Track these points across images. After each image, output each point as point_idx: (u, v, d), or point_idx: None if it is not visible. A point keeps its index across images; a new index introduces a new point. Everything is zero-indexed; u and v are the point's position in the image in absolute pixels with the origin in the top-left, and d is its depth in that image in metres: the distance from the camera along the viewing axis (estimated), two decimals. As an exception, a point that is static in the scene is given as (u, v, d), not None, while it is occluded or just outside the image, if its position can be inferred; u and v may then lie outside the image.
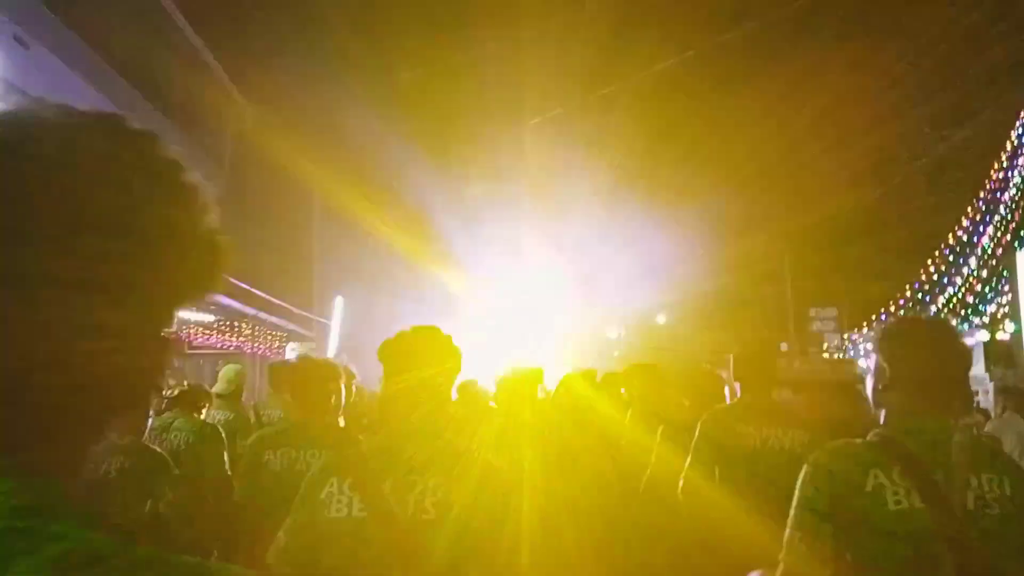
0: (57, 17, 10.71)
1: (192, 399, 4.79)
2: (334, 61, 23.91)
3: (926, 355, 1.91)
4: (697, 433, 3.40)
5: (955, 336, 2.01)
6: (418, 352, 1.98)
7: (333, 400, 3.31)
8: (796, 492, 1.85)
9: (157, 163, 0.62)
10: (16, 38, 9.37)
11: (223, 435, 4.50)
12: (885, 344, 1.95)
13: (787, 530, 1.83)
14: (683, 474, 3.34)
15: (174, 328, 0.66)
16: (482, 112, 28.57)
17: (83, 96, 11.55)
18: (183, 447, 4.29)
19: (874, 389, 1.96)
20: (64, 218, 0.56)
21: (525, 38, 24.48)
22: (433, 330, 2.04)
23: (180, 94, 15.47)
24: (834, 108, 24.73)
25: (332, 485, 1.82)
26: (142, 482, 3.23)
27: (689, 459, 3.35)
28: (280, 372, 6.28)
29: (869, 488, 1.73)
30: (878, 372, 1.94)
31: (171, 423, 4.43)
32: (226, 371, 5.86)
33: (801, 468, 3.15)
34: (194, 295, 0.67)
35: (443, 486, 1.83)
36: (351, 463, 1.86)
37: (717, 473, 3.29)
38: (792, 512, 1.84)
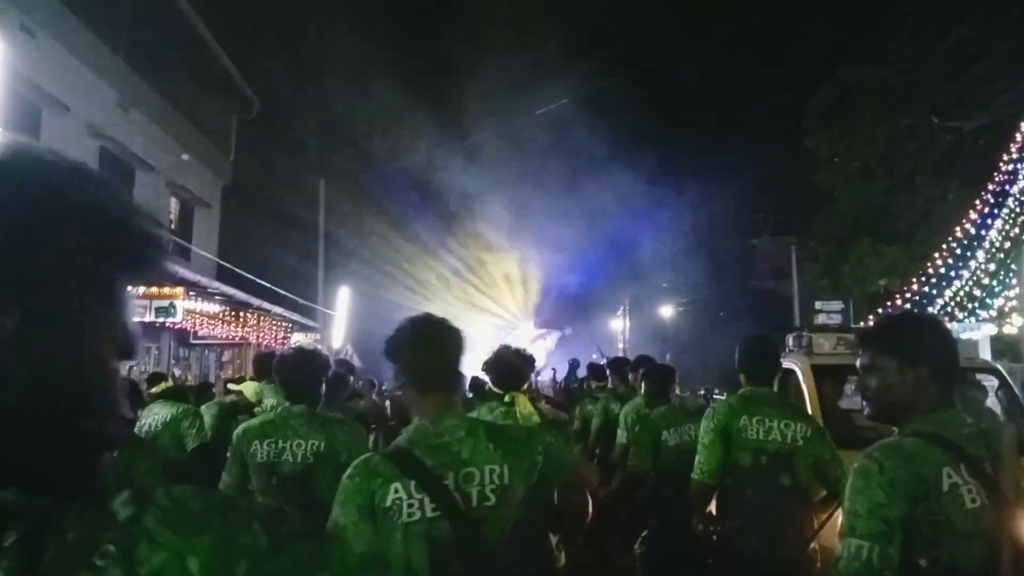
0: (65, 7, 10.72)
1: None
2: (340, 53, 23.89)
3: (945, 347, 1.90)
4: (704, 423, 3.42)
5: (947, 329, 2.02)
6: (448, 355, 2.03)
7: (322, 390, 3.33)
8: (856, 498, 1.70)
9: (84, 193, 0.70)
10: (23, 27, 9.38)
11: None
12: (898, 340, 1.93)
13: (848, 539, 1.69)
14: (696, 470, 3.36)
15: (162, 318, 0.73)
16: (484, 102, 28.52)
17: (88, 86, 11.57)
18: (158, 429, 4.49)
19: (885, 385, 1.92)
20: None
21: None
22: (454, 331, 2.06)
23: (187, 85, 15.48)
24: (839, 99, 24.64)
25: (398, 491, 1.80)
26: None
27: (700, 448, 3.38)
28: (266, 362, 6.30)
29: (946, 488, 1.66)
30: (887, 368, 1.90)
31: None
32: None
33: (802, 459, 3.20)
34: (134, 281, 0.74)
35: (497, 470, 1.90)
36: (411, 466, 1.84)
37: (722, 462, 3.31)
38: (853, 521, 1.69)
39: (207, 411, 5.19)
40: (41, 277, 0.65)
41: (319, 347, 6.31)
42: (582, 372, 9.78)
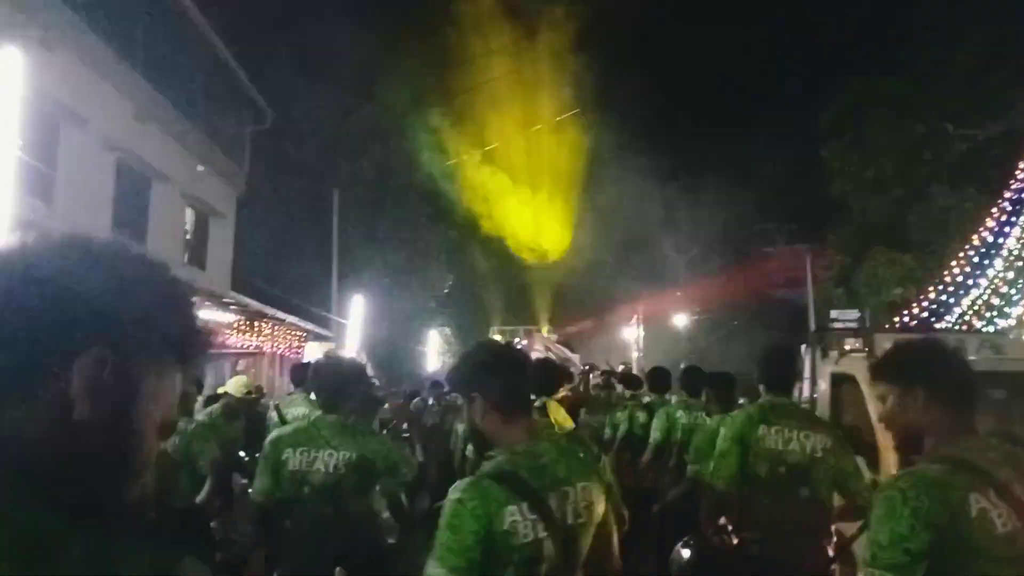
0: (82, 21, 10.86)
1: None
2: (353, 64, 24.05)
3: (951, 371, 1.90)
4: (721, 431, 3.42)
5: (955, 353, 2.01)
6: (525, 379, 2.09)
7: (358, 401, 3.37)
8: (879, 527, 1.70)
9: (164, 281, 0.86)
10: (42, 42, 9.50)
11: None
12: (899, 369, 1.95)
13: (870, 568, 1.69)
14: (711, 472, 3.36)
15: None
16: (498, 109, 28.60)
17: (105, 99, 11.71)
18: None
19: (894, 414, 1.91)
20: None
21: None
22: (524, 355, 2.19)
23: (201, 97, 15.63)
24: (852, 108, 24.53)
25: (514, 514, 1.81)
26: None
27: (715, 458, 3.37)
28: (301, 371, 6.37)
29: (974, 514, 1.64)
30: (910, 394, 1.88)
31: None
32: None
33: (822, 471, 3.18)
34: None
35: (586, 488, 1.96)
36: (522, 489, 1.86)
37: (739, 473, 3.29)
38: (876, 551, 1.69)
39: (209, 421, 5.20)
40: (124, 369, 0.78)
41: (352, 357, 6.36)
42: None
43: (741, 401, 5.35)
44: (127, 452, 0.80)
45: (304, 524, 3.10)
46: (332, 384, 3.32)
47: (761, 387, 3.51)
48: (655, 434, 5.72)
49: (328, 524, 3.06)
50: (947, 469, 1.73)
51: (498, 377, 2.01)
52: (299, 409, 5.81)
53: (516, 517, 1.81)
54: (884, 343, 5.21)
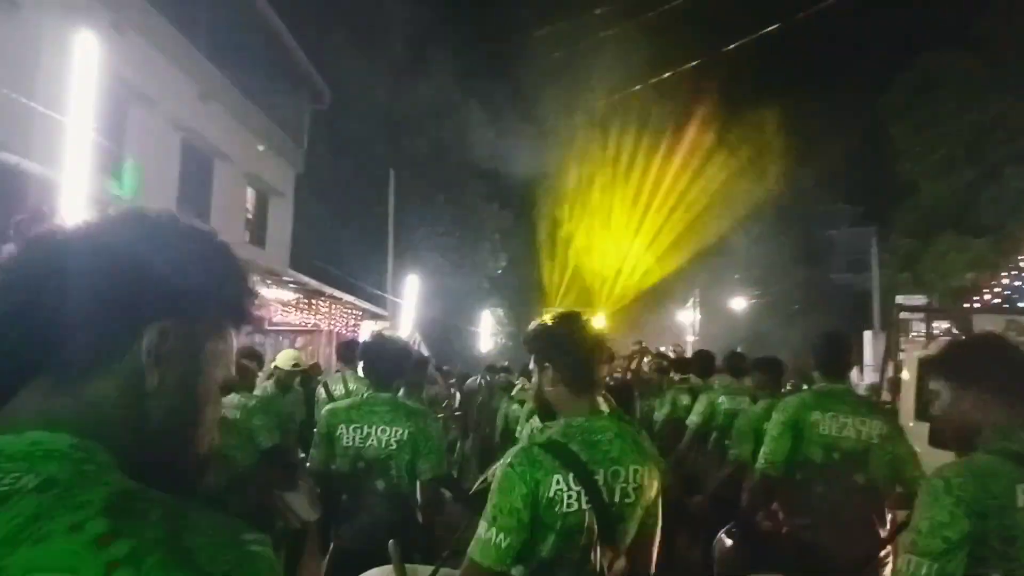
0: (149, 4, 11.16)
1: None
2: (410, 44, 24.18)
3: (1006, 366, 1.87)
4: (774, 415, 3.39)
5: (1011, 347, 1.98)
6: (601, 357, 2.11)
7: (403, 376, 3.42)
8: (921, 514, 1.72)
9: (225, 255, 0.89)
10: (113, 25, 9.81)
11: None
12: (953, 366, 1.93)
13: (908, 555, 1.71)
14: (761, 456, 3.33)
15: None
16: (557, 88, 28.40)
17: (172, 80, 12.04)
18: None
19: (948, 410, 1.90)
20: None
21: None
22: (600, 333, 2.13)
23: (262, 77, 15.92)
24: (922, 86, 23.58)
25: (559, 482, 1.87)
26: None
27: (767, 439, 3.34)
28: (350, 348, 6.50)
29: (1021, 504, 1.65)
30: (965, 391, 1.87)
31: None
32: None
33: (877, 458, 3.12)
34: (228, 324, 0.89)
35: (640, 470, 2.00)
36: (569, 459, 1.91)
37: (790, 456, 3.26)
38: (916, 537, 1.71)
39: (265, 396, 5.30)
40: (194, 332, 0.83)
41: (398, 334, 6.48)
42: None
43: (788, 387, 5.25)
44: (194, 418, 0.84)
45: (359, 498, 3.18)
46: (383, 362, 3.38)
47: (816, 373, 3.48)
48: (694, 418, 5.69)
49: (381, 498, 3.14)
50: (997, 460, 1.73)
51: (573, 351, 2.05)
52: (345, 386, 5.94)
53: (561, 486, 1.86)
54: (984, 324, 5.00)
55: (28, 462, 0.68)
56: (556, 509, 1.86)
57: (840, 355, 3.48)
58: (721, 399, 5.64)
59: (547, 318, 2.17)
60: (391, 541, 2.36)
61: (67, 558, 0.61)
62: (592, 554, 1.90)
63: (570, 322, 2.12)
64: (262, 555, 0.70)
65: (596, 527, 1.88)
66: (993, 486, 1.67)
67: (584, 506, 1.87)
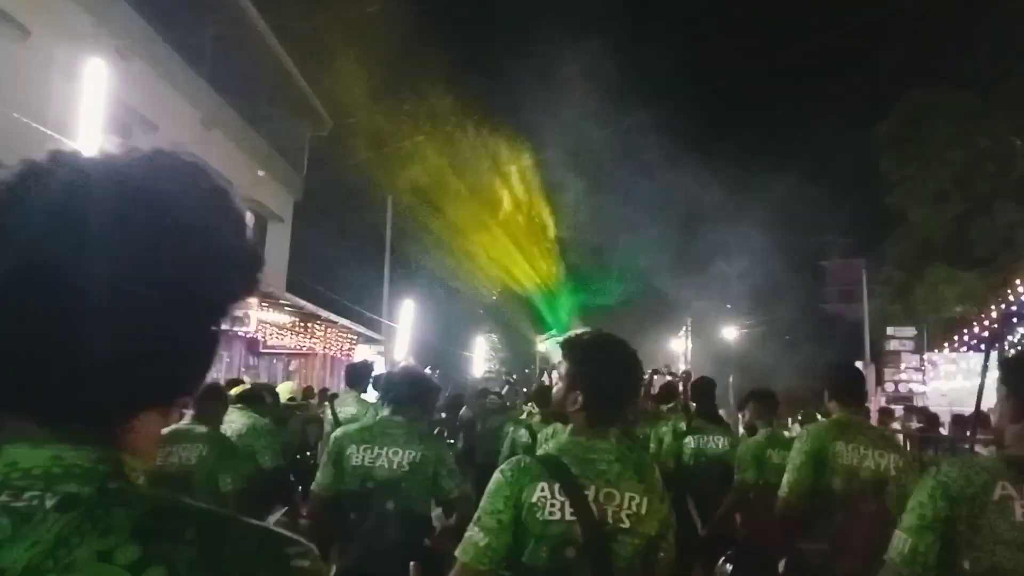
0: (154, 31, 11.35)
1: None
2: (409, 72, 24.45)
3: None
4: (796, 444, 3.43)
5: None
6: (634, 385, 2.14)
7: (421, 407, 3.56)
8: (912, 497, 1.92)
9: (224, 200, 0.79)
10: (118, 51, 9.97)
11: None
12: (1005, 372, 2.03)
13: (896, 530, 1.91)
14: (784, 488, 3.36)
15: (236, 327, 0.82)
16: (551, 115, 28.70)
17: (175, 106, 12.19)
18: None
19: (1000, 415, 2.00)
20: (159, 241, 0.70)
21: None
22: (634, 358, 2.13)
23: (264, 104, 16.11)
24: (913, 119, 23.94)
25: (544, 490, 1.91)
26: (215, 467, 3.75)
27: (790, 468, 3.38)
28: (358, 371, 6.58)
29: (996, 498, 1.76)
30: (1001, 398, 1.99)
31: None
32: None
33: (895, 488, 3.18)
34: (239, 296, 0.79)
35: (637, 499, 1.98)
36: (558, 470, 1.95)
37: (813, 486, 3.31)
38: (904, 515, 1.91)
39: (262, 427, 5.27)
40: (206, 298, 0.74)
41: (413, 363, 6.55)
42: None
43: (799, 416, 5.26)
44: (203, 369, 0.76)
45: (368, 518, 3.23)
46: (410, 392, 3.48)
47: (832, 403, 3.48)
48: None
49: (391, 519, 3.20)
50: (993, 459, 1.89)
51: (596, 369, 2.07)
52: (351, 408, 6.01)
53: (544, 493, 1.91)
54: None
55: (46, 480, 0.63)
56: (538, 515, 1.89)
57: (859, 386, 3.53)
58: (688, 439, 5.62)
59: (594, 335, 2.17)
60: (412, 563, 2.40)
61: None
62: (583, 572, 1.89)
63: (609, 346, 2.11)
64: (309, 570, 0.67)
65: (583, 542, 1.89)
66: (976, 478, 1.81)
67: (568, 517, 1.89)
